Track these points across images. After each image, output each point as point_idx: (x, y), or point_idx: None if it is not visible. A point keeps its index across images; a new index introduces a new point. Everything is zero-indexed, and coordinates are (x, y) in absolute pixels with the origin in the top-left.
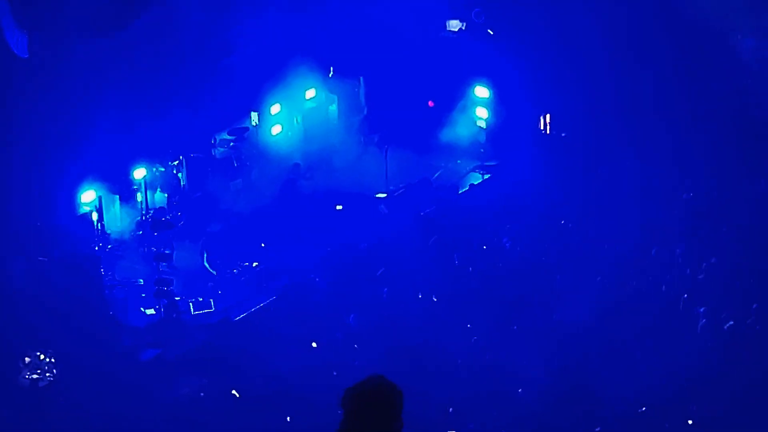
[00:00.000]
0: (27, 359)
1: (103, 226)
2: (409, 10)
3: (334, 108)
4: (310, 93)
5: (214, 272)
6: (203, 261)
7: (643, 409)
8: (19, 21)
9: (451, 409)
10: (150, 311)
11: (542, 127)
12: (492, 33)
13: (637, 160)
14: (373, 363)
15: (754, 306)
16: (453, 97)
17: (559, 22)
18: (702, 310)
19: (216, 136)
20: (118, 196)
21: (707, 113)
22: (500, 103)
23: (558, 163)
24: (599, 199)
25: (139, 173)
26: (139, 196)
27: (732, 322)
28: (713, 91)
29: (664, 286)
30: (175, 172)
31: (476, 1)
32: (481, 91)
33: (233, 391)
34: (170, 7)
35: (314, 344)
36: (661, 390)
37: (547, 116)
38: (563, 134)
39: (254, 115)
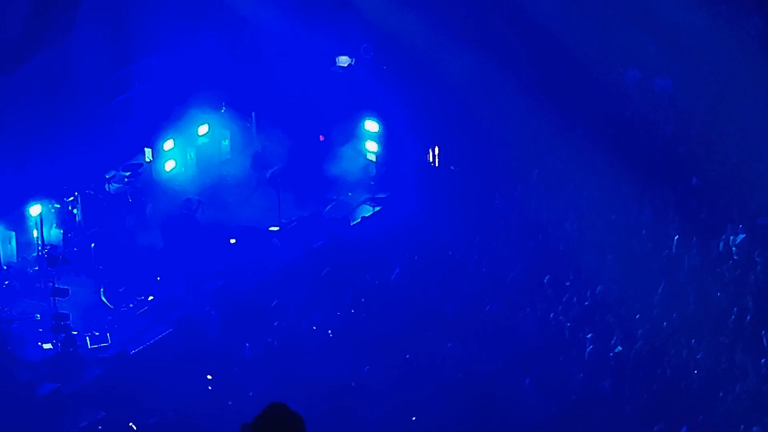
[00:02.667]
0: None
1: None
2: (300, 46)
3: (226, 143)
4: (203, 129)
5: (111, 306)
6: (100, 295)
7: None
8: None
9: None
10: (47, 345)
11: (431, 160)
12: (385, 68)
13: (523, 191)
14: (269, 392)
15: (640, 332)
16: (343, 131)
17: (445, 58)
18: (590, 336)
19: (111, 172)
20: (14, 233)
21: (593, 144)
22: (389, 136)
23: (446, 195)
24: (487, 230)
25: (35, 210)
26: (35, 232)
27: (620, 348)
28: (599, 120)
29: (552, 314)
30: (70, 208)
31: (364, 37)
32: (371, 125)
33: (131, 424)
34: (66, 47)
35: (209, 376)
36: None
37: (436, 149)
38: (452, 167)
39: (148, 151)
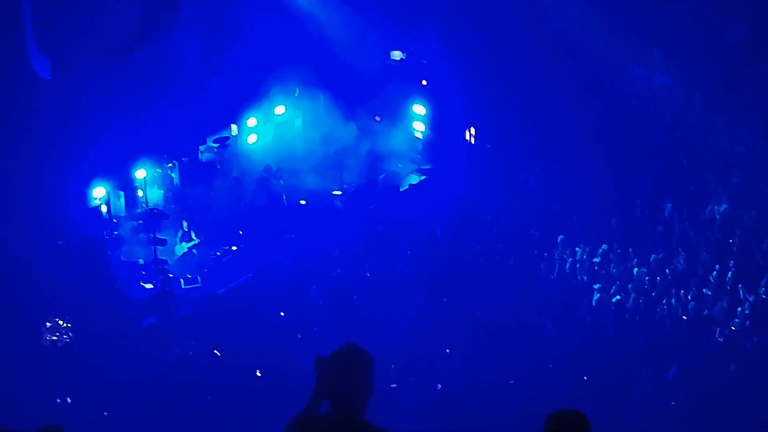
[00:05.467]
0: (48, 324)
1: (110, 216)
2: (361, 42)
3: (299, 121)
4: (280, 109)
5: (195, 252)
6: (190, 244)
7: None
8: (42, 48)
9: None
10: (148, 286)
11: (468, 138)
12: (426, 62)
13: (544, 168)
14: (330, 328)
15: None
16: (395, 113)
17: (483, 56)
18: (596, 287)
19: (203, 144)
20: (122, 192)
21: (600, 136)
22: (434, 118)
23: (481, 168)
24: (513, 196)
25: (141, 173)
26: (140, 192)
27: (618, 297)
28: (608, 114)
29: (565, 266)
30: (169, 173)
31: (415, 36)
32: (419, 108)
33: (215, 351)
34: (168, 37)
35: (282, 313)
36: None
37: (472, 129)
38: (487, 145)
39: (234, 127)
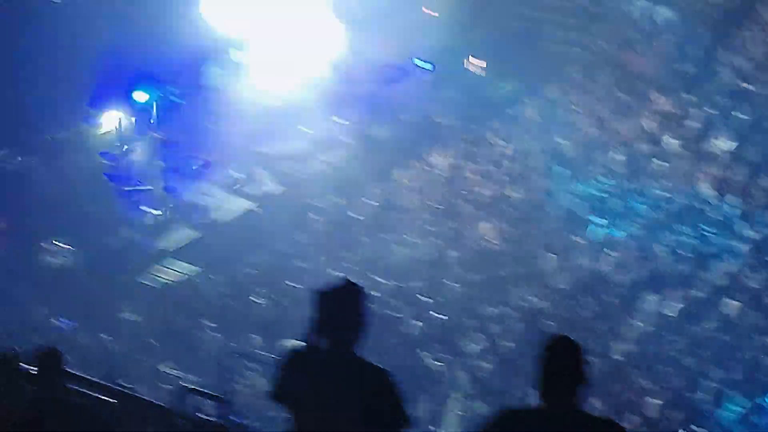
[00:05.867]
0: (47, 244)
1: (120, 140)
2: None
3: None
4: None
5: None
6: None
7: None
8: None
9: None
10: (157, 212)
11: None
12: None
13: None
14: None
15: None
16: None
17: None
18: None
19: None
20: (134, 118)
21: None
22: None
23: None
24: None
25: (141, 97)
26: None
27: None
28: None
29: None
30: (175, 99)
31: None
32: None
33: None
34: None
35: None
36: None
37: (471, 57)
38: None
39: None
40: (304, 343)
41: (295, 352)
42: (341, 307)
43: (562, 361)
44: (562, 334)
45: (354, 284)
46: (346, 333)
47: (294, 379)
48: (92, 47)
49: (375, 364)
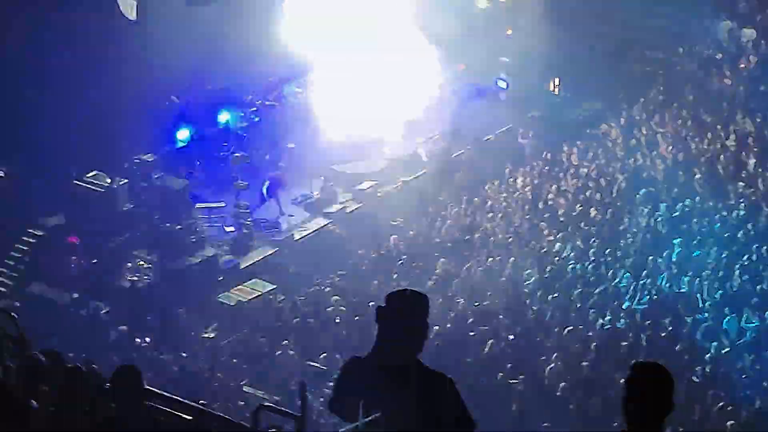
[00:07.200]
0: (129, 264)
1: (195, 158)
2: None
3: None
4: None
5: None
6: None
7: None
8: None
9: None
10: (230, 228)
11: (552, 89)
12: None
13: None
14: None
15: None
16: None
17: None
18: None
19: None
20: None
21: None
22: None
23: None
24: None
25: (223, 116)
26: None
27: None
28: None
29: None
30: (252, 117)
31: None
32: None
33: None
34: None
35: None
36: None
37: (557, 79)
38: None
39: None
40: (364, 355)
41: (356, 364)
42: (404, 317)
43: (646, 386)
44: (647, 360)
45: (418, 294)
46: (410, 342)
47: (353, 390)
48: (177, 68)
49: (438, 371)
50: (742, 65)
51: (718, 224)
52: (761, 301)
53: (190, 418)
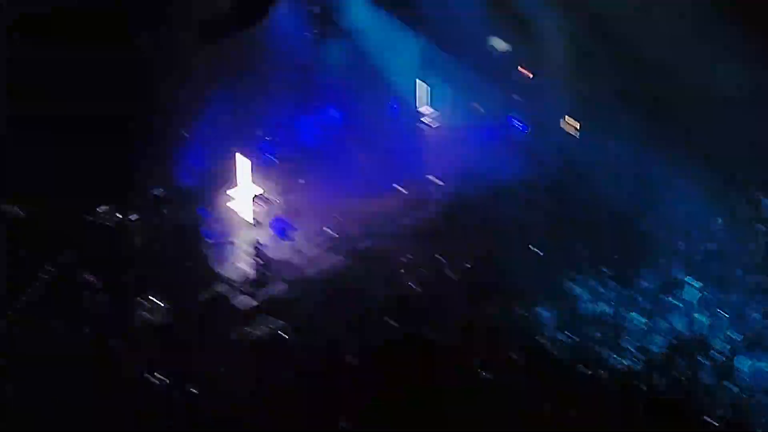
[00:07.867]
0: (141, 300)
1: None
2: None
3: None
4: None
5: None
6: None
7: None
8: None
9: None
10: (244, 267)
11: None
12: None
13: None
14: None
15: None
16: None
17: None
18: None
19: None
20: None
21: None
22: None
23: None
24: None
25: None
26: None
27: None
28: None
29: None
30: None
31: None
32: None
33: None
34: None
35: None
36: None
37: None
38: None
39: None
40: None
41: None
42: None
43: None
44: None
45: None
46: None
47: None
48: (187, 106)
49: None
50: None
51: (735, 266)
52: None
53: None
